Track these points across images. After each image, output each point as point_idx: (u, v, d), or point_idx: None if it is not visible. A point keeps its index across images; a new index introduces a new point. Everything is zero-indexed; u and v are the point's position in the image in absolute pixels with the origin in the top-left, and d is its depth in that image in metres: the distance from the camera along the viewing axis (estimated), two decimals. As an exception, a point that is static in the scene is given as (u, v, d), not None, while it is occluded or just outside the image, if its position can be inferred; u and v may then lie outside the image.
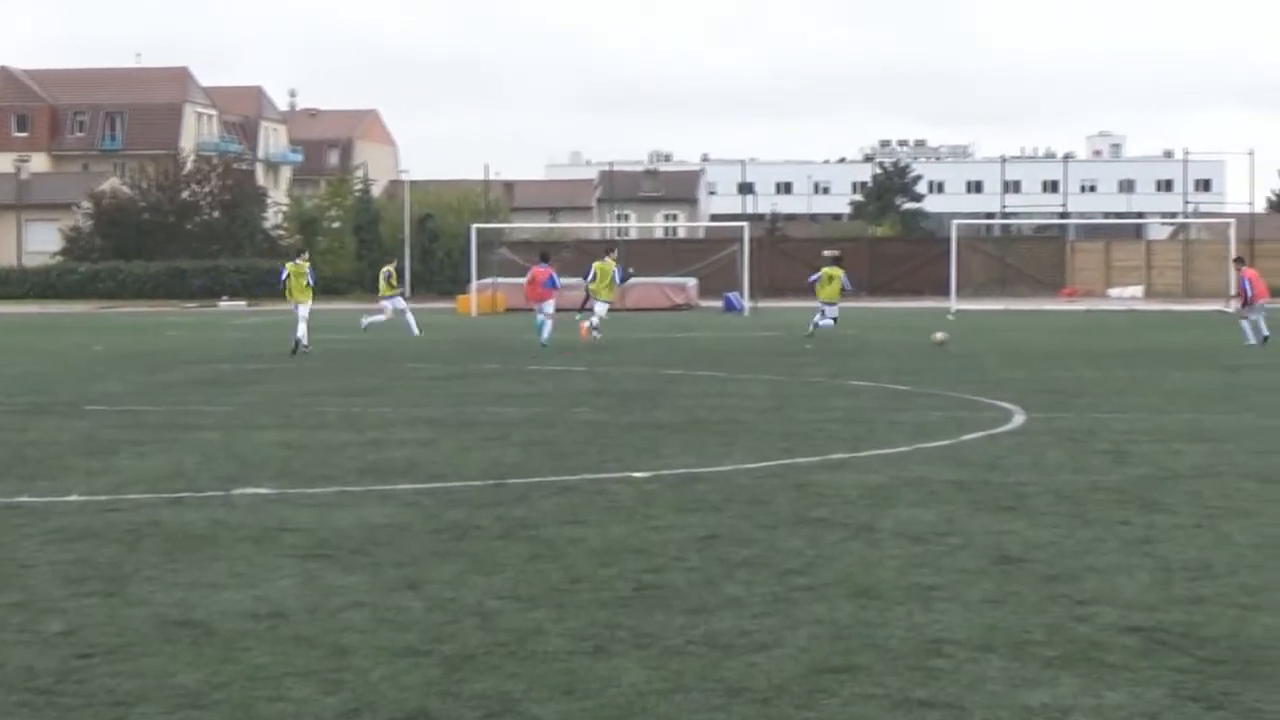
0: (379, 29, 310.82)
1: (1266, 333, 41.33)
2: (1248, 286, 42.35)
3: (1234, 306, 44.51)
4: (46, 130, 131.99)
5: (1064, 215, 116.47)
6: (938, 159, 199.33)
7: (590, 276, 44.69)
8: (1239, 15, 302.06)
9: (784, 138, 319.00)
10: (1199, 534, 12.80)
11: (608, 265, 44.82)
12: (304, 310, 39.90)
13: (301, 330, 39.32)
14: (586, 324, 43.74)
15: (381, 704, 8.09)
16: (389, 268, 51.08)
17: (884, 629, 9.58)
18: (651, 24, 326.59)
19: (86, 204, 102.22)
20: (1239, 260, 47.01)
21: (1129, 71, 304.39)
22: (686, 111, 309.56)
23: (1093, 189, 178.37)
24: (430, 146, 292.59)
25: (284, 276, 41.33)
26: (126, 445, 19.26)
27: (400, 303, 50.54)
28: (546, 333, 41.25)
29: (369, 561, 11.78)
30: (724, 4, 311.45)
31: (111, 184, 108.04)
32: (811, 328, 45.36)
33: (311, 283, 41.30)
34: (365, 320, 49.20)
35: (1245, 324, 42.12)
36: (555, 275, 43.97)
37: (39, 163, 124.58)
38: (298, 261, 42.16)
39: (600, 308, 44.19)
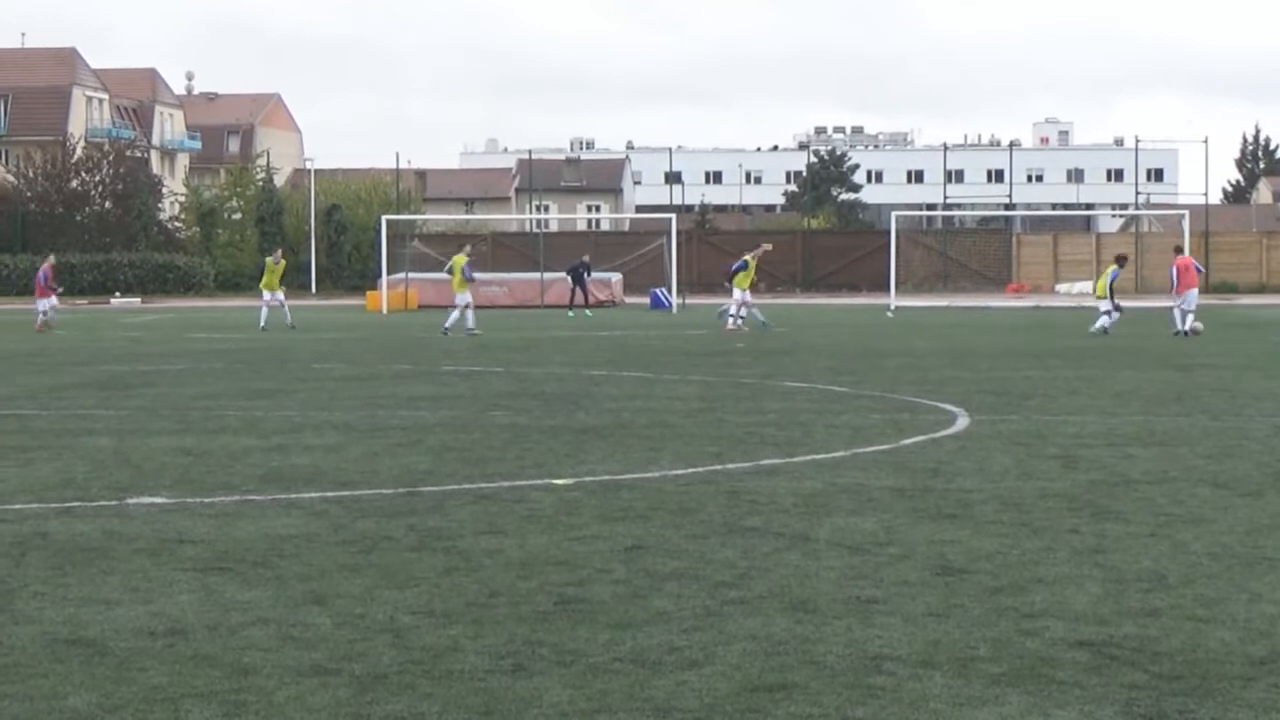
0: (281, 7, 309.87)
1: (1182, 327, 43.28)
2: (1174, 275, 44.99)
3: (1184, 298, 45.92)
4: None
5: (1009, 206, 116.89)
6: (876, 147, 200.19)
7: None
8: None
9: (714, 124, 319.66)
10: (1152, 543, 12.89)
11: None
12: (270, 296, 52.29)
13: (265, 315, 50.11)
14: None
15: (287, 727, 8.07)
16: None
17: (821, 645, 9.61)
18: (571, 4, 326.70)
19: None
20: (1178, 249, 49.01)
21: (1078, 55, 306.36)
22: (610, 97, 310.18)
23: (1039, 179, 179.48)
24: (337, 133, 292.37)
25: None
26: (12, 452, 19.14)
27: (280, 296, 53.60)
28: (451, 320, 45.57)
29: (273, 575, 11.75)
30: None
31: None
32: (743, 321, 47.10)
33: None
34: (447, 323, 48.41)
35: (1175, 312, 44.06)
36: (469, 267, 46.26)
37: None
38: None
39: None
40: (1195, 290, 45.95)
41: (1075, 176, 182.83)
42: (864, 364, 33.95)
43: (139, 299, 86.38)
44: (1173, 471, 16.99)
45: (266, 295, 53.32)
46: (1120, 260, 49.47)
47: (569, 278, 69.59)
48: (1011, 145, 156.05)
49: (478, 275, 74.80)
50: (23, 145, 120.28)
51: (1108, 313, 46.10)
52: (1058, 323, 55.80)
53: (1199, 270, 47.94)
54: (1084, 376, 30.15)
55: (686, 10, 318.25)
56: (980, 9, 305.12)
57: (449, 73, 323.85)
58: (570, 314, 64.63)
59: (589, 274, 70.11)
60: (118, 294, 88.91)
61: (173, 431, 21.34)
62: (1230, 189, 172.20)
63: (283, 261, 55.83)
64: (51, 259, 58.85)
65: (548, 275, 75.67)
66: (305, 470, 17.41)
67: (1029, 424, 21.71)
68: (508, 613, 10.50)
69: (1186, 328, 44.50)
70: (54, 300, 53.93)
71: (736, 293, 49.75)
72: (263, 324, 51.29)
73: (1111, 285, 47.03)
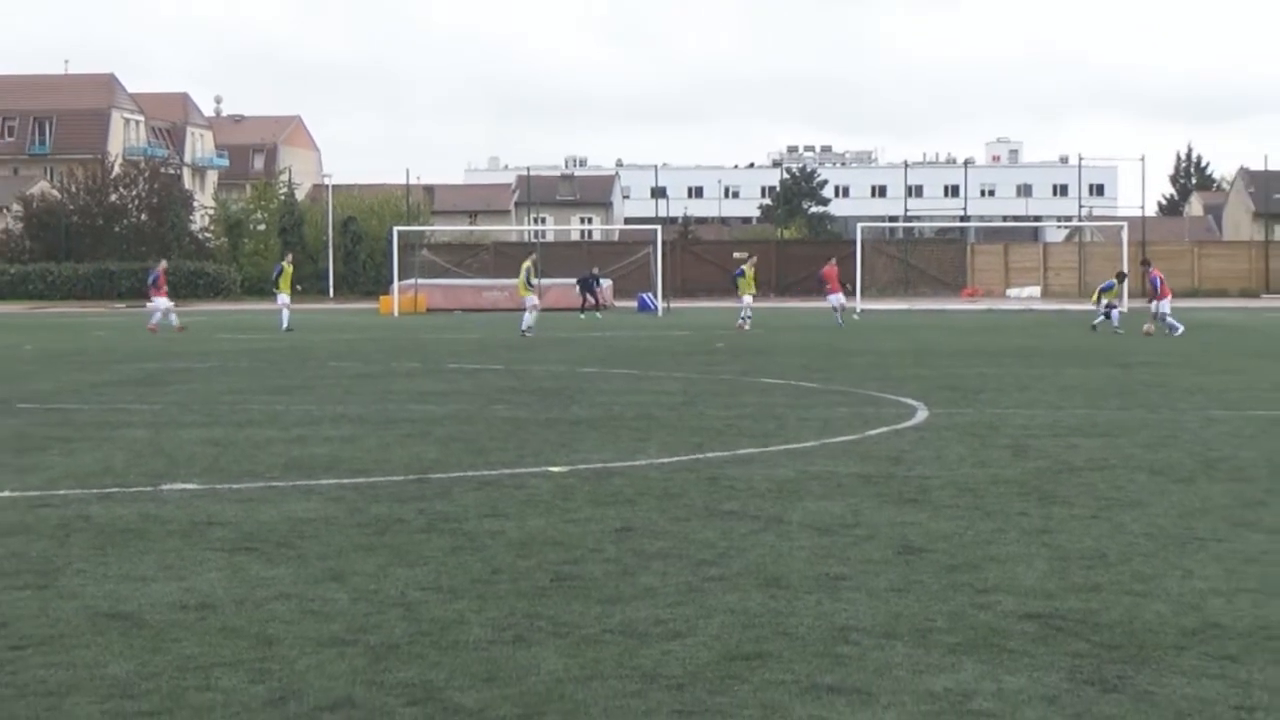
0: (301, 39, 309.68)
1: (1175, 329, 43.63)
2: (1158, 283, 44.97)
3: (1157, 306, 45.67)
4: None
5: (964, 218, 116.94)
6: (843, 164, 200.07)
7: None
8: (1133, 27, 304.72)
9: (696, 143, 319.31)
10: (1094, 524, 12.90)
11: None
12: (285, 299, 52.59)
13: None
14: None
15: (308, 692, 8.06)
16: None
17: (793, 617, 9.62)
18: (563, 35, 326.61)
19: (16, 207, 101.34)
20: (1146, 262, 49.03)
21: (1027, 81, 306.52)
22: (601, 118, 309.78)
23: (992, 193, 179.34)
24: (352, 151, 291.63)
25: (277, 273, 54.30)
26: (57, 442, 19.11)
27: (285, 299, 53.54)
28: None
29: (295, 554, 11.74)
30: (635, 15, 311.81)
31: (41, 187, 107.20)
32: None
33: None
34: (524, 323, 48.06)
35: (1169, 319, 44.35)
36: None
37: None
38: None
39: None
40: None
41: (1024, 191, 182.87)
42: (833, 362, 33.94)
43: (172, 303, 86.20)
44: (1113, 460, 17.00)
45: (286, 297, 52.91)
46: (1120, 277, 50.21)
47: (578, 286, 69.79)
48: (966, 163, 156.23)
49: (481, 281, 74.88)
50: (66, 163, 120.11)
51: (1105, 313, 46.65)
52: (1009, 324, 55.81)
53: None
54: (1033, 373, 30.15)
55: (671, 39, 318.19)
56: (939, 38, 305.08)
57: (454, 96, 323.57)
58: (582, 315, 65.09)
59: (599, 283, 70.55)
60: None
61: (202, 424, 21.31)
62: (1165, 202, 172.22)
63: (291, 266, 56.20)
64: (164, 264, 56.99)
65: (544, 281, 75.52)
66: (324, 459, 17.39)
67: (982, 416, 21.72)
68: (509, 588, 10.49)
69: (1148, 328, 44.41)
70: (168, 303, 52.47)
71: (746, 298, 51.20)
72: (286, 325, 51.06)
73: (1102, 292, 47.99)
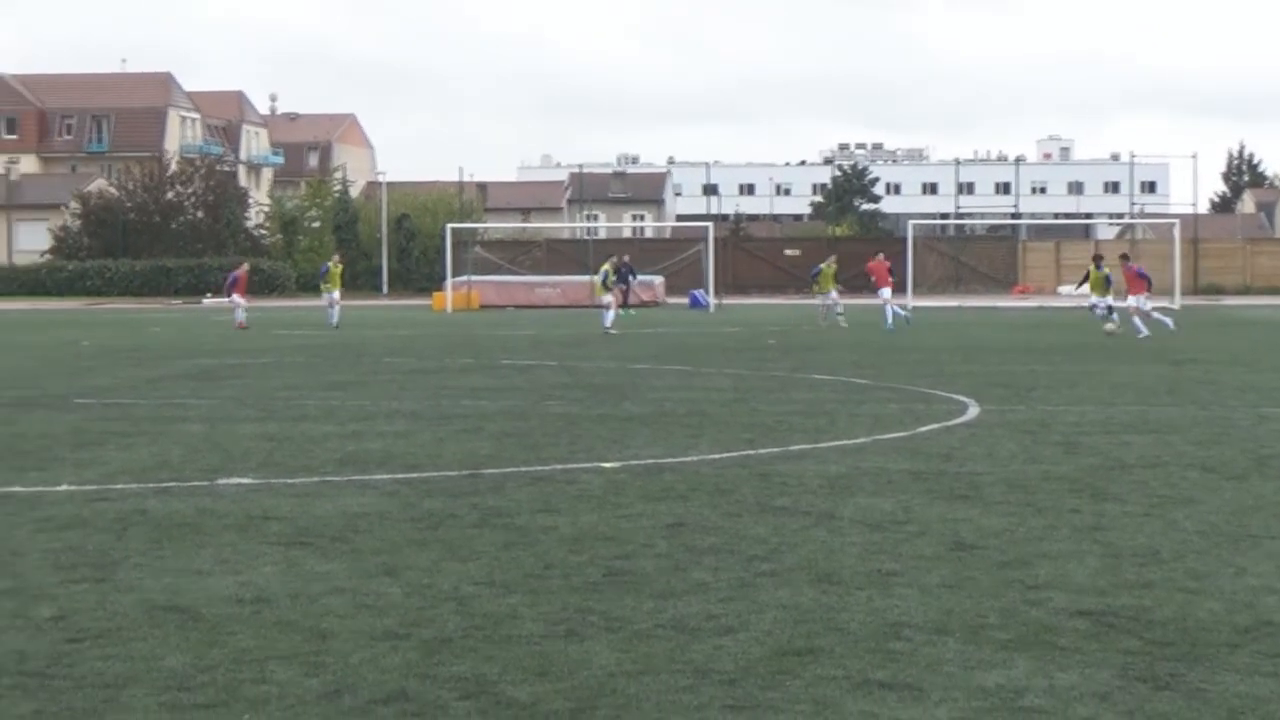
0: (355, 38, 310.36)
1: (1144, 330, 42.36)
2: (1145, 274, 43.79)
3: (1138, 302, 44.20)
4: (35, 133, 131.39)
5: (1015, 216, 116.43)
6: (894, 162, 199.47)
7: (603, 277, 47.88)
8: (1185, 23, 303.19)
9: (747, 141, 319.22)
10: (1146, 522, 12.84)
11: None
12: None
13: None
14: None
15: (362, 686, 8.08)
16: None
17: (845, 613, 9.60)
18: (619, 33, 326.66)
19: (74, 204, 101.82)
20: (1125, 256, 47.91)
21: (1078, 77, 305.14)
22: (653, 116, 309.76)
23: (1043, 190, 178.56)
24: (406, 149, 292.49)
25: (324, 272, 54.64)
26: (114, 437, 19.20)
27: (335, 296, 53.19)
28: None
29: (349, 549, 11.77)
30: (687, 14, 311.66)
31: (98, 185, 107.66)
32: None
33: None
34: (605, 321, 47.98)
35: (1136, 319, 42.67)
36: None
37: (28, 164, 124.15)
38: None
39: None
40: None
41: (1075, 189, 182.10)
42: (884, 359, 33.86)
43: (227, 299, 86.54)
44: (1165, 457, 16.92)
45: (334, 294, 52.70)
46: (1097, 261, 48.13)
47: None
48: (1018, 160, 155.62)
49: (534, 278, 74.75)
50: (123, 161, 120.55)
51: (1109, 307, 45.25)
52: (1060, 321, 55.59)
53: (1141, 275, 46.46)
54: (1084, 370, 30.03)
55: (723, 37, 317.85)
56: (990, 37, 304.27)
57: (507, 94, 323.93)
58: (632, 311, 64.13)
59: (634, 275, 69.67)
60: (209, 295, 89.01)
61: (258, 419, 21.38)
62: (1217, 200, 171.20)
63: (341, 265, 56.18)
64: (245, 266, 57.11)
65: (597, 278, 75.56)
66: (378, 454, 17.43)
67: (1034, 413, 21.63)
68: (561, 583, 10.50)
69: (1110, 328, 43.20)
70: (238, 300, 52.24)
71: (833, 294, 50.52)
72: (335, 322, 50.97)
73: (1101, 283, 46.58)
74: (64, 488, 14.96)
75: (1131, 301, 43.68)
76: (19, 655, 8.72)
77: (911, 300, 68.77)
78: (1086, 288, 47.11)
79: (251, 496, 14.41)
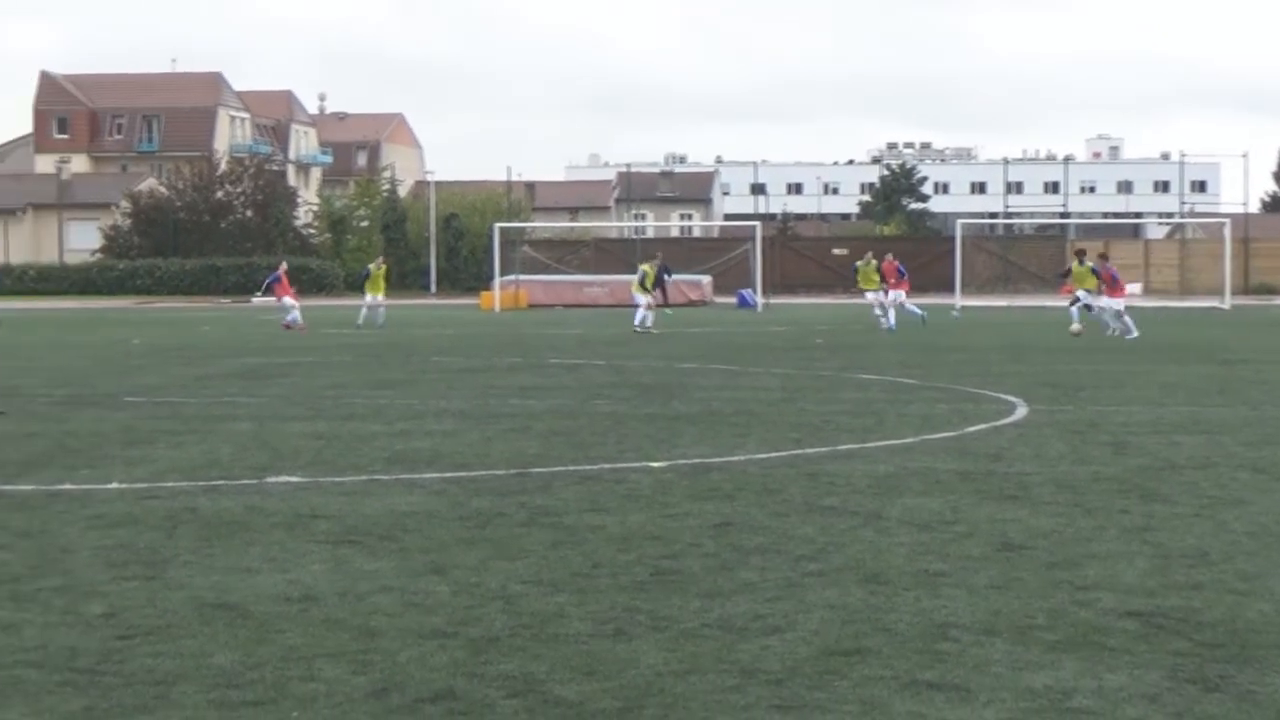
0: (403, 37, 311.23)
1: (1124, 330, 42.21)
2: (1115, 275, 43.56)
3: (1111, 303, 43.88)
4: (86, 132, 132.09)
5: (1064, 215, 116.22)
6: (943, 161, 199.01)
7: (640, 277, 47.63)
8: (1234, 21, 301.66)
9: (794, 140, 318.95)
10: (1196, 522, 12.78)
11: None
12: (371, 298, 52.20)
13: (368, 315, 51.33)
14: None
15: (409, 684, 8.10)
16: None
17: (892, 613, 9.58)
18: (664, 33, 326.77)
19: (125, 203, 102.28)
20: (1104, 255, 47.68)
21: (1127, 76, 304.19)
22: (701, 115, 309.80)
23: (1092, 190, 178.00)
24: (454, 149, 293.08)
25: (365, 275, 54.43)
26: (164, 435, 19.29)
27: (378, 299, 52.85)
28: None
29: (397, 547, 11.79)
30: (735, 13, 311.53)
31: (149, 184, 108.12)
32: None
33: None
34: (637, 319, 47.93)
35: (1125, 318, 42.65)
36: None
37: (79, 164, 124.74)
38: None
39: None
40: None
41: (1125, 188, 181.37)
42: (931, 358, 33.78)
43: (276, 298, 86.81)
44: (1215, 457, 16.84)
45: (375, 298, 52.38)
46: (1080, 256, 47.36)
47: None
48: (1067, 159, 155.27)
49: (582, 277, 74.66)
50: (173, 160, 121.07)
51: (1087, 306, 44.54)
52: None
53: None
54: (1132, 370, 29.91)
55: (771, 36, 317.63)
56: (1040, 35, 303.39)
57: (555, 94, 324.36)
58: (664, 312, 63.75)
59: (669, 274, 69.29)
60: (257, 294, 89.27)
61: (306, 417, 21.45)
62: (1268, 199, 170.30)
63: (384, 266, 55.67)
64: (284, 265, 56.32)
65: (635, 278, 75.61)
66: (426, 453, 17.47)
67: (1082, 413, 21.56)
68: (608, 582, 10.50)
69: (1076, 329, 42.88)
70: (292, 301, 51.59)
71: (878, 293, 50.05)
72: (380, 321, 50.85)
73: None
74: (114, 485, 15.03)
75: (1106, 303, 43.66)
76: (70, 652, 8.77)
77: (960, 300, 68.62)
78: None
79: (300, 495, 14.45)
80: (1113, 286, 43.67)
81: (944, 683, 8.09)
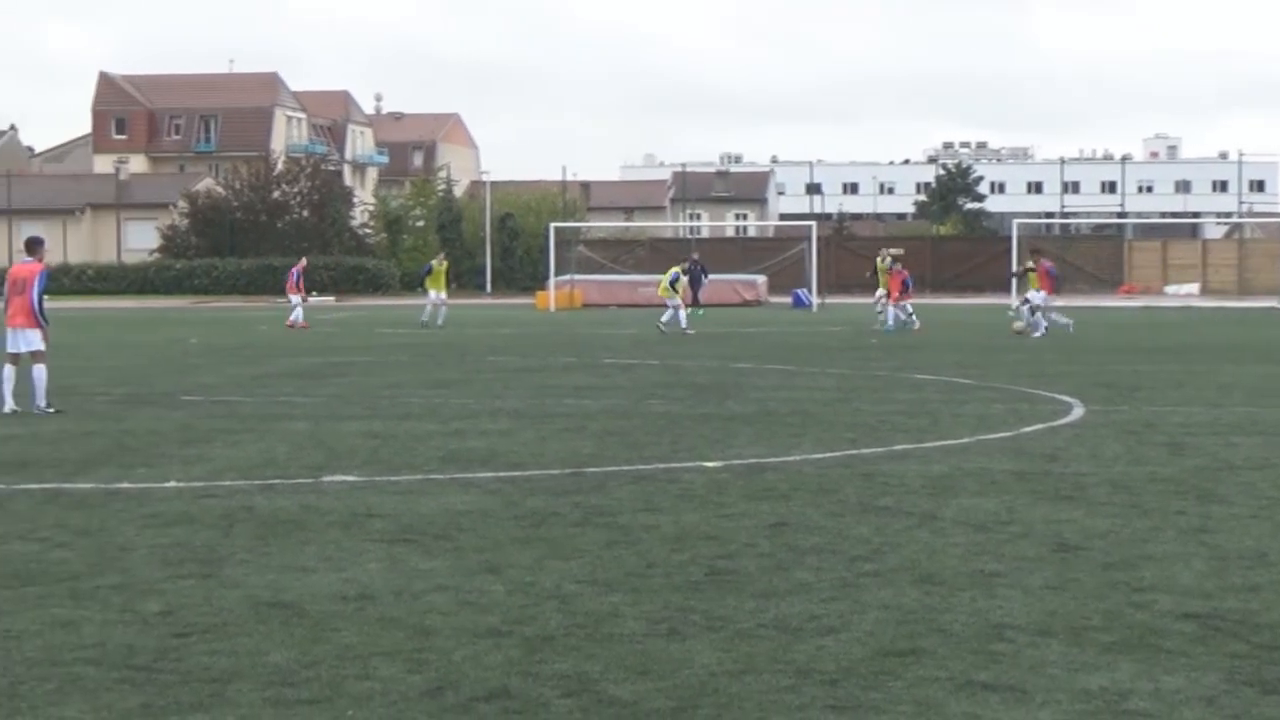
0: (459, 38, 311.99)
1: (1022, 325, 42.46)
2: (1055, 274, 43.85)
3: (1037, 299, 43.93)
4: (144, 133, 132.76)
5: (1122, 215, 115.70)
6: (999, 161, 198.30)
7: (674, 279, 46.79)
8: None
9: (850, 140, 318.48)
10: (1254, 524, 12.71)
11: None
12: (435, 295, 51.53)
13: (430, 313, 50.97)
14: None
15: (464, 683, 8.12)
16: None
17: (948, 614, 9.56)
18: (720, 32, 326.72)
19: (182, 203, 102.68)
20: (1037, 251, 48.04)
21: (1185, 75, 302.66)
22: (756, 115, 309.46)
23: (1150, 189, 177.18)
24: (510, 149, 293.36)
25: (426, 271, 53.71)
26: (221, 434, 19.37)
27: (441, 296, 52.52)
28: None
29: (452, 546, 11.82)
30: (789, 13, 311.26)
31: (206, 184, 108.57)
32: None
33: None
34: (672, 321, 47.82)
35: (1039, 316, 43.65)
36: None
37: (137, 164, 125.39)
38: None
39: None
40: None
41: (1183, 187, 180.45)
42: (987, 359, 33.68)
43: (333, 298, 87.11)
44: (1273, 458, 16.74)
45: (439, 295, 52.28)
46: (1035, 258, 47.09)
47: (688, 279, 68.50)
48: (1124, 159, 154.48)
49: (637, 277, 74.53)
50: (230, 160, 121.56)
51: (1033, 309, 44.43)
52: (1166, 321, 55.11)
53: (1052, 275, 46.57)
54: (1190, 371, 29.75)
55: (825, 36, 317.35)
56: (1096, 34, 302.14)
57: (610, 94, 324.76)
58: (700, 312, 63.22)
59: (706, 274, 68.82)
60: (314, 293, 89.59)
61: (362, 417, 21.51)
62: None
63: (446, 263, 55.53)
64: (303, 262, 57.53)
65: (665, 279, 75.58)
66: (481, 452, 17.50)
67: (1139, 414, 21.46)
68: (663, 582, 10.51)
69: (1019, 327, 43.22)
70: (300, 299, 52.39)
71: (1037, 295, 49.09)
72: (440, 320, 50.84)
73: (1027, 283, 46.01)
74: (171, 484, 15.11)
75: (1034, 297, 43.83)
76: (127, 649, 8.82)
77: (1016, 300, 68.30)
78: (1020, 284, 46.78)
79: (356, 494, 14.50)
80: (1045, 282, 44.10)
81: (999, 684, 8.06)
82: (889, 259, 50.96)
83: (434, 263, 54.60)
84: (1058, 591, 10.17)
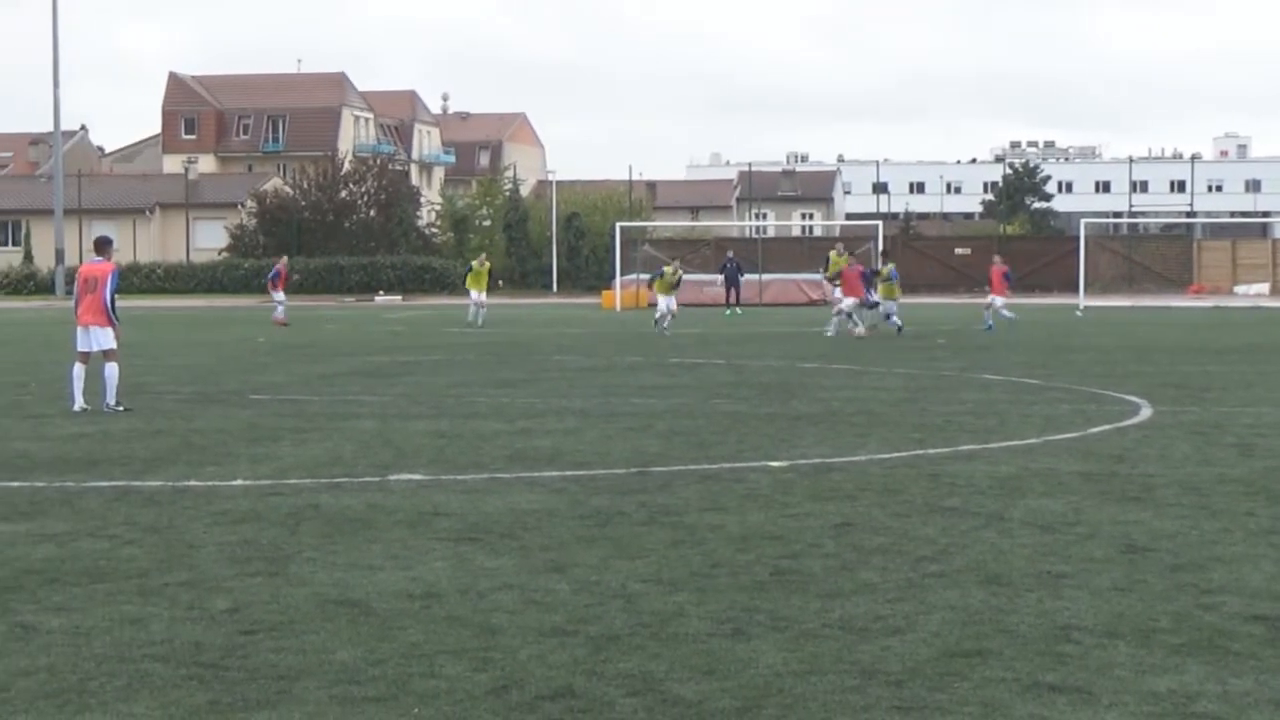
0: (526, 38, 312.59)
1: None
2: (869, 275, 44.63)
3: (843, 299, 43.62)
4: (213, 133, 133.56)
5: (1191, 214, 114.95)
6: (1066, 160, 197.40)
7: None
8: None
9: (916, 139, 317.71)
10: (1324, 525, 12.61)
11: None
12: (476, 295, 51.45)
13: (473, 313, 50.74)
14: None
15: (529, 682, 8.13)
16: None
17: (1014, 615, 9.52)
18: (785, 31, 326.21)
19: (250, 203, 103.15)
20: (885, 253, 48.29)
21: (1256, 73, 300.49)
22: (822, 114, 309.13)
23: (1219, 189, 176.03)
24: (576, 149, 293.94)
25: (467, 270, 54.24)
26: (288, 433, 19.46)
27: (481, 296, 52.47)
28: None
29: (518, 545, 11.84)
30: (855, 13, 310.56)
31: (274, 184, 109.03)
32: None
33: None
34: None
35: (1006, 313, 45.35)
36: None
37: (206, 164, 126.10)
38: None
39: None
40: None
41: (1253, 186, 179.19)
42: (1055, 359, 33.51)
43: (400, 297, 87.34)
44: (1344, 460, 16.60)
45: (479, 295, 52.20)
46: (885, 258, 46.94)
47: (723, 278, 68.52)
48: (1193, 158, 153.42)
49: (703, 276, 74.41)
50: (298, 160, 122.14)
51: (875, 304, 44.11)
52: (1236, 321, 54.71)
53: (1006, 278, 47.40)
54: (1260, 371, 29.54)
55: (891, 36, 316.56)
56: (1164, 31, 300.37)
57: (676, 93, 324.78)
58: (728, 313, 62.76)
59: (742, 273, 68.75)
60: (381, 292, 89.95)
61: (429, 416, 21.57)
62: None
63: (488, 264, 55.78)
64: (284, 259, 58.06)
65: (766, 277, 75.62)
66: (547, 451, 17.53)
67: (1208, 415, 21.32)
68: (728, 582, 10.50)
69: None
70: (283, 297, 53.17)
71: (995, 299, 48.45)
72: (480, 321, 50.69)
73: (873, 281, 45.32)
74: (239, 482, 15.19)
75: (837, 295, 43.88)
76: (195, 646, 8.87)
77: (1084, 300, 67.98)
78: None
79: (422, 492, 14.54)
80: (853, 286, 43.69)
81: (1066, 685, 8.03)
82: (844, 253, 49.75)
83: (475, 263, 54.96)
84: (1125, 593, 10.12)
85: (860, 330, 44.03)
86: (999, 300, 47.13)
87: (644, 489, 14.66)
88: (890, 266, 47.64)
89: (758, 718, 7.56)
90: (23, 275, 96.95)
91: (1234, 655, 8.59)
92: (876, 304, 45.08)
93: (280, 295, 53.26)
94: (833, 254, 49.49)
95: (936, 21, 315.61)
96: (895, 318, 45.13)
